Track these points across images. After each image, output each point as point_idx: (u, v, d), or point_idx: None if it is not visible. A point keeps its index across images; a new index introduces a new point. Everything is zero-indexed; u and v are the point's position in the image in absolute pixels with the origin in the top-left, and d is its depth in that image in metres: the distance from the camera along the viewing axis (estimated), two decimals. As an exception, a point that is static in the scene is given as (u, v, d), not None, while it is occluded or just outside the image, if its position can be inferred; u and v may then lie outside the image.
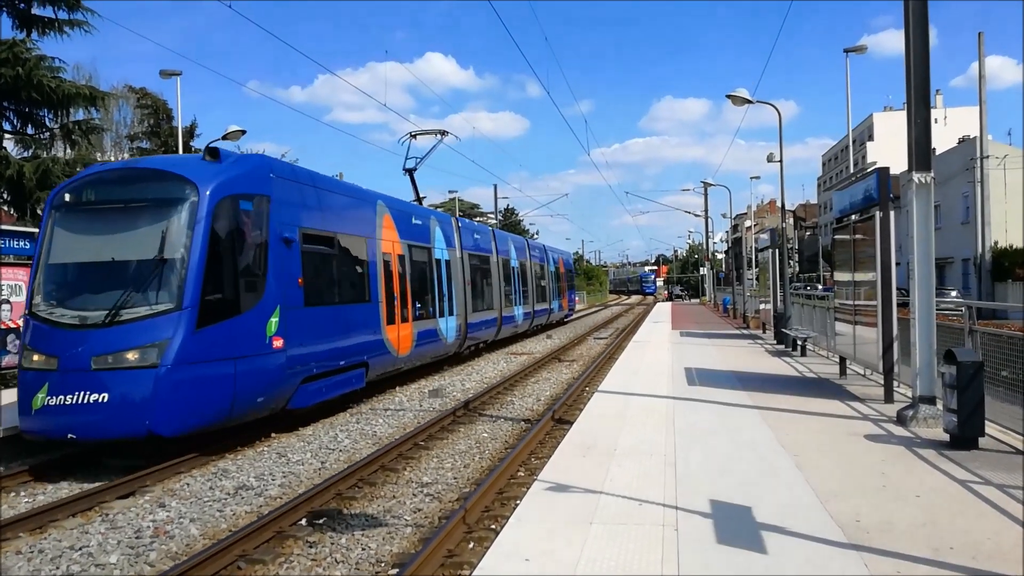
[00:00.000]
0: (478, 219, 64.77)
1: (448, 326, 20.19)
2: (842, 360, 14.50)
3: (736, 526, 5.99)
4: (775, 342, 21.81)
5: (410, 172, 23.34)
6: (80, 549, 7.04)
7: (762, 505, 6.48)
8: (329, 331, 13.22)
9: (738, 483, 7.21)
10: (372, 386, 16.39)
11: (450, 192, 68.03)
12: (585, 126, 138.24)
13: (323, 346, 12.95)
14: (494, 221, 63.87)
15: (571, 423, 10.82)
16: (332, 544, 7.10)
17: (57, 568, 6.63)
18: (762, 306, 27.20)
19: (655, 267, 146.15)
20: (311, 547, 7.06)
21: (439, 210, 31.54)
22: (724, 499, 6.68)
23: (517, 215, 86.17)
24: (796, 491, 6.95)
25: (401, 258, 17.01)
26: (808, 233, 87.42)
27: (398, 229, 17.07)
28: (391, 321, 15.96)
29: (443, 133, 23.59)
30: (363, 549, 6.97)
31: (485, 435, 11.91)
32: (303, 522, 7.71)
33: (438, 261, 19.87)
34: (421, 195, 23.26)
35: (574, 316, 49.10)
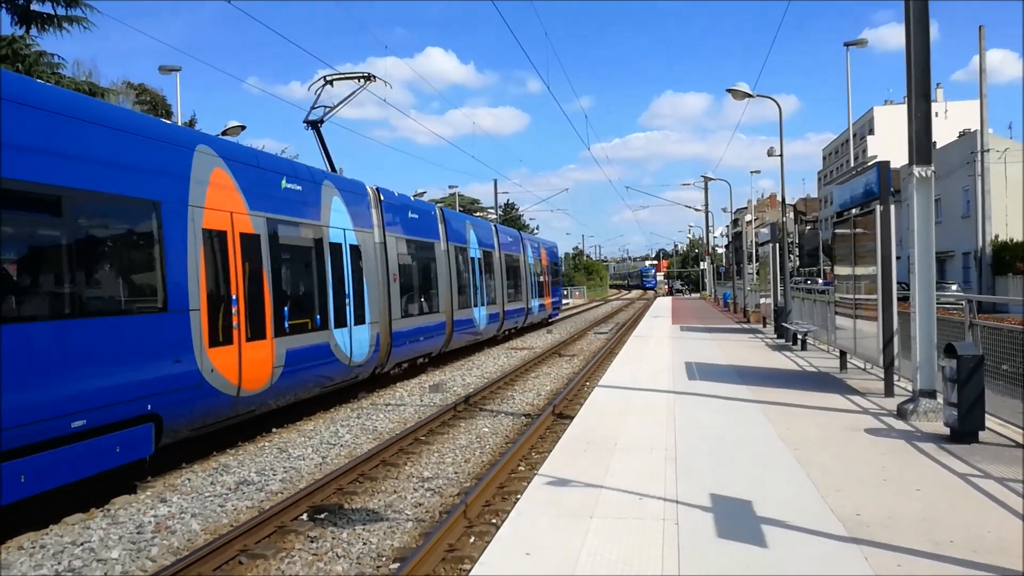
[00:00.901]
0: (478, 214, 64.27)
1: (356, 339, 14.49)
2: (843, 354, 14.50)
3: (737, 520, 6.00)
4: (775, 336, 21.82)
5: (315, 125, 17.73)
6: (82, 544, 7.05)
7: (763, 499, 6.49)
8: (34, 369, 7.41)
9: (739, 478, 7.22)
10: (372, 381, 16.26)
11: (450, 187, 67.84)
12: (585, 121, 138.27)
13: (13, 399, 7.10)
14: (494, 216, 63.71)
15: (572, 418, 10.83)
16: (333, 539, 7.11)
17: (59, 563, 6.64)
18: (762, 300, 27.22)
19: (656, 262, 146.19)
20: (312, 542, 7.07)
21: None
22: (725, 493, 6.69)
23: (517, 210, 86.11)
24: (797, 485, 6.96)
25: (252, 240, 11.26)
26: (808, 227, 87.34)
27: (247, 194, 11.19)
28: (222, 339, 10.30)
29: (368, 78, 18.22)
30: (364, 544, 6.98)
31: (486, 430, 11.92)
32: (304, 517, 7.73)
33: (336, 246, 14.07)
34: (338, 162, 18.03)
35: (562, 315, 45.58)
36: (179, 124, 34.19)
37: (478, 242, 24.20)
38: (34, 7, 22.61)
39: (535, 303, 32.26)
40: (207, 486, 8.98)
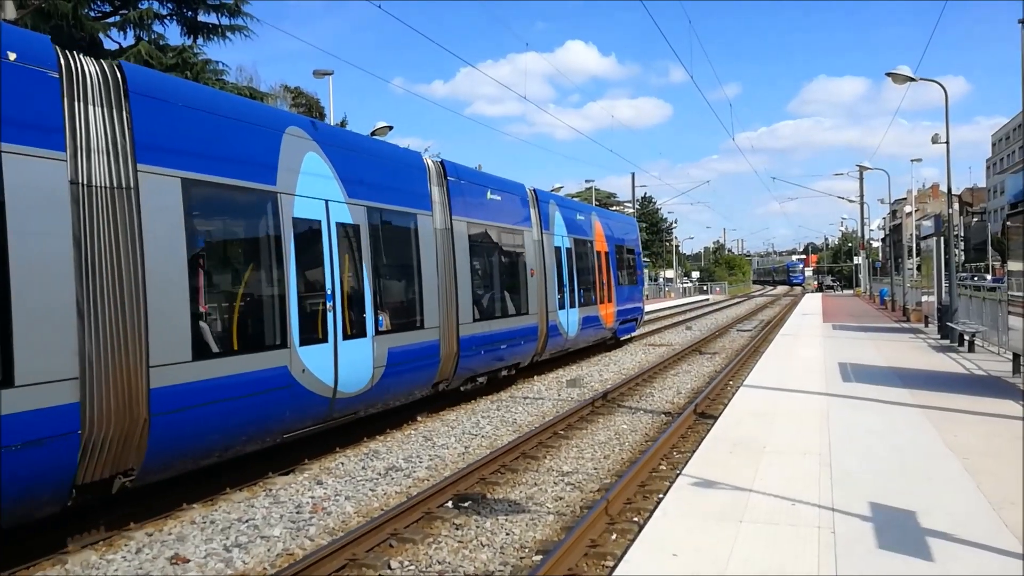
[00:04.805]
0: (614, 208, 63.22)
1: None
2: (1016, 357, 13.39)
3: (898, 531, 5.66)
4: (939, 337, 20.46)
5: None
6: (247, 522, 7.54)
7: (927, 510, 6.09)
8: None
9: (900, 486, 6.81)
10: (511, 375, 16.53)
11: (586, 181, 67.62)
12: (730, 110, 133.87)
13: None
14: (631, 210, 62.90)
15: (715, 418, 10.56)
16: (477, 527, 7.26)
17: (227, 538, 7.13)
18: (924, 298, 25.56)
19: (803, 256, 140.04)
20: (457, 529, 7.24)
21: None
22: (885, 502, 6.33)
23: (655, 203, 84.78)
24: (965, 496, 6.49)
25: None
26: (976, 219, 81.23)
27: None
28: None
29: None
30: (507, 534, 7.08)
31: (624, 427, 11.81)
32: (449, 504, 7.93)
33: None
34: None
35: (700, 311, 43.87)
36: (332, 125, 35.67)
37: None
38: (200, 18, 24.25)
39: (568, 317, 18.48)
40: (359, 470, 9.39)
